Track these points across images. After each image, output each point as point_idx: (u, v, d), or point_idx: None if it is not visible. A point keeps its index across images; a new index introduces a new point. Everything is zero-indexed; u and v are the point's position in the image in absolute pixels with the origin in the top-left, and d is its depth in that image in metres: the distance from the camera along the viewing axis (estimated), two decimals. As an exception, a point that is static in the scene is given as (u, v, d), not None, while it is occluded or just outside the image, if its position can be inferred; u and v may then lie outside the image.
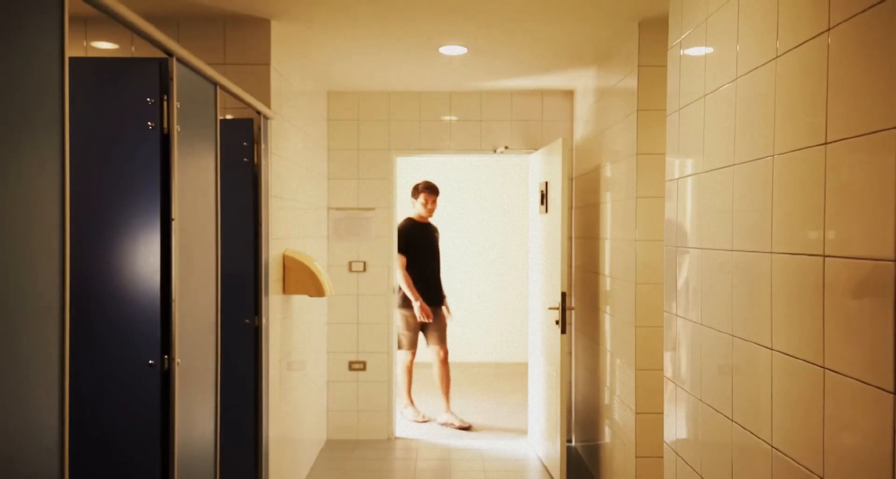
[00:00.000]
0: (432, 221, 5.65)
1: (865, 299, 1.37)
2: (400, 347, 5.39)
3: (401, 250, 5.30)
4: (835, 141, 1.47)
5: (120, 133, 2.12)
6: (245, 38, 3.42)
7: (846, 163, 1.44)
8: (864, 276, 1.37)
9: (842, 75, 1.46)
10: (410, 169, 7.50)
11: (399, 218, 5.47)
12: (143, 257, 2.09)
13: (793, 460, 1.64)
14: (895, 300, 1.27)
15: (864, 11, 1.38)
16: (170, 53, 2.08)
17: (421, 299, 5.30)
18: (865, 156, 1.37)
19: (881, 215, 1.31)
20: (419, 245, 5.39)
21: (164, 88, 2.09)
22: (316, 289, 3.72)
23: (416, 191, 5.47)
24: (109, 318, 2.09)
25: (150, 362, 2.07)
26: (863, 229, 1.37)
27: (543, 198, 4.67)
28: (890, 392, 1.28)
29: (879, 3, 1.33)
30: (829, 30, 1.50)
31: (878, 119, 1.32)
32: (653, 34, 3.39)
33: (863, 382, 1.37)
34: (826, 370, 1.50)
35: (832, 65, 1.49)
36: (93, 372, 2.07)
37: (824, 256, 1.50)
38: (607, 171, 4.05)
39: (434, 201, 5.49)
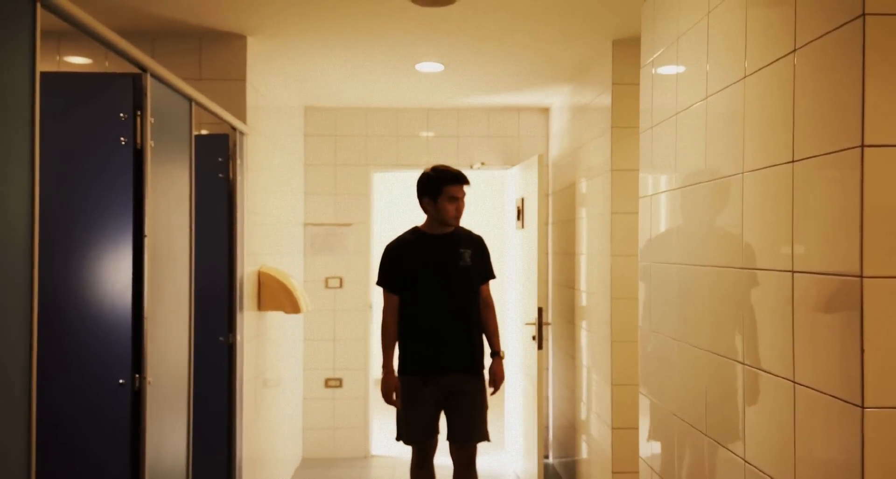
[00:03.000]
0: (468, 228, 3.49)
1: (833, 314, 1.39)
2: (399, 437, 3.34)
3: (388, 283, 3.33)
4: (802, 159, 1.50)
5: (92, 149, 2.09)
6: (221, 54, 3.42)
7: (813, 180, 1.47)
8: (831, 291, 1.39)
9: (807, 95, 1.49)
10: (386, 184, 7.50)
11: (379, 235, 5.23)
12: (115, 274, 2.06)
13: (765, 474, 1.65)
14: (861, 315, 1.29)
15: (827, 33, 1.41)
16: (144, 69, 2.07)
17: (388, 367, 3.28)
18: (831, 173, 1.40)
19: (847, 232, 1.33)
20: (429, 272, 3.27)
21: (138, 103, 2.07)
22: (292, 305, 3.69)
23: (435, 185, 3.27)
24: (79, 336, 2.05)
25: (121, 381, 2.03)
26: (829, 246, 1.40)
27: (520, 214, 4.69)
28: (858, 406, 1.30)
29: (841, 26, 1.36)
30: (794, 51, 1.53)
31: (843, 138, 1.35)
32: (626, 53, 3.44)
33: (832, 396, 1.38)
34: (796, 385, 1.51)
35: (798, 85, 1.52)
36: (61, 392, 2.03)
37: (793, 272, 1.53)
38: (583, 187, 4.09)
39: (464, 197, 3.33)
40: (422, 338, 3.27)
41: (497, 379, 3.41)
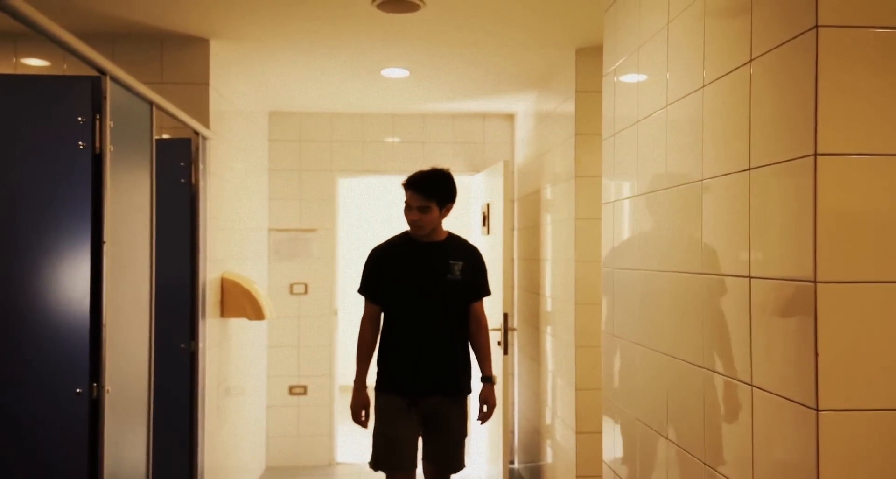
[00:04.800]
0: (474, 242, 3.48)
1: (788, 318, 1.42)
2: (376, 465, 3.02)
3: (368, 291, 3.12)
4: (758, 167, 1.53)
5: (49, 153, 2.05)
6: (183, 58, 3.37)
7: (769, 188, 1.50)
8: (787, 296, 1.42)
9: (763, 104, 1.53)
10: (352, 189, 7.47)
11: (345, 241, 5.19)
12: (72, 281, 2.02)
13: (724, 476, 1.68)
14: (815, 320, 1.32)
15: (782, 44, 1.45)
16: (103, 72, 2.03)
17: (361, 382, 3.06)
18: (786, 181, 1.43)
19: (801, 238, 1.37)
20: (413, 283, 3.03)
21: (97, 106, 2.04)
22: (255, 312, 3.65)
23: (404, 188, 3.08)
24: (35, 345, 2.00)
25: (78, 390, 1.98)
26: (785, 252, 1.43)
27: (486, 219, 4.71)
28: (813, 409, 1.33)
29: (796, 37, 1.40)
30: (751, 61, 1.57)
31: (797, 147, 1.39)
32: (589, 61, 3.48)
33: (788, 399, 1.41)
34: (754, 388, 1.54)
35: (754, 94, 1.56)
36: (15, 402, 1.98)
37: (750, 277, 1.56)
38: (548, 193, 4.12)
39: (422, 203, 3.00)
40: (402, 354, 3.01)
41: (488, 407, 3.14)
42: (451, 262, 3.06)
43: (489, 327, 3.28)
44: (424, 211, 2.99)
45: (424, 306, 3.02)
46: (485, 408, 3.14)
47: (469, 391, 3.11)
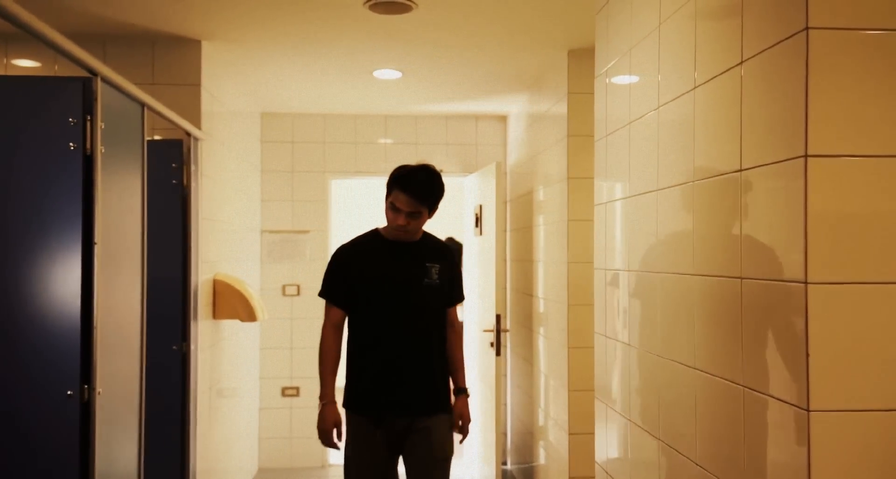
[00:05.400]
0: (438, 236, 2.99)
1: (779, 319, 1.43)
2: None
3: (332, 294, 2.79)
4: (749, 168, 1.54)
5: (40, 154, 2.04)
6: (175, 59, 3.36)
7: (760, 189, 1.51)
8: (778, 297, 1.43)
9: (754, 106, 1.53)
10: (346, 191, 7.46)
11: (338, 242, 5.13)
12: (63, 282, 2.01)
13: (716, 477, 1.68)
14: (806, 321, 1.33)
15: (772, 46, 1.45)
16: (94, 73, 2.03)
17: (327, 396, 2.71)
18: (777, 182, 1.44)
19: (792, 239, 1.37)
20: (384, 287, 2.73)
21: (88, 108, 2.03)
22: (248, 313, 3.64)
23: (390, 183, 2.75)
24: (25, 347, 1.99)
25: (69, 392, 1.98)
26: (775, 253, 1.44)
27: (478, 221, 4.71)
28: (804, 409, 1.34)
29: (786, 39, 1.41)
30: (742, 63, 1.58)
31: (788, 148, 1.39)
32: (581, 63, 3.49)
33: (780, 399, 1.42)
34: (746, 389, 1.55)
35: (745, 96, 1.57)
36: (6, 404, 1.97)
37: (741, 278, 1.56)
38: (540, 194, 4.13)
39: (415, 209, 2.68)
40: (374, 368, 2.67)
41: (463, 422, 2.81)
42: (429, 264, 2.75)
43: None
44: (415, 217, 2.68)
45: (399, 313, 2.69)
46: (460, 422, 2.82)
47: (451, 407, 2.81)
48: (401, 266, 2.75)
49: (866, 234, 1.35)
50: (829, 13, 1.35)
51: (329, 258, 2.88)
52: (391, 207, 2.69)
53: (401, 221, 2.68)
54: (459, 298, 2.93)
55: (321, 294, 2.82)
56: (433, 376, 2.75)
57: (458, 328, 2.92)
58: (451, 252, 2.90)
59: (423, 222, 2.75)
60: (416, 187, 2.64)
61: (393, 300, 2.71)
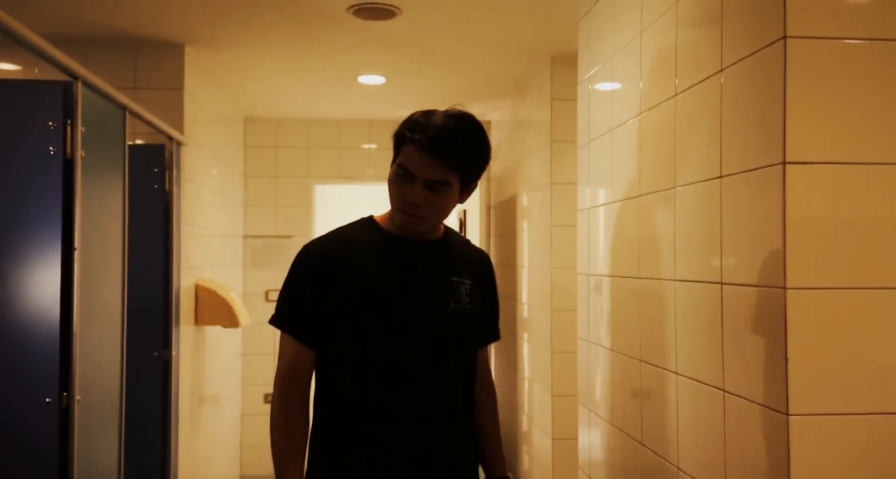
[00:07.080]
0: (465, 237, 2.38)
1: (759, 324, 1.44)
2: None
3: (295, 325, 1.70)
4: (729, 175, 1.56)
5: (20, 158, 2.02)
6: (157, 63, 3.35)
7: (740, 195, 1.52)
8: (757, 302, 1.44)
9: (734, 113, 1.55)
10: (329, 196, 7.43)
11: None
12: (42, 288, 1.99)
13: (698, 481, 1.69)
14: (785, 326, 1.34)
15: (751, 54, 1.47)
16: (75, 76, 2.01)
17: None
18: (756, 189, 1.45)
19: (771, 245, 1.39)
20: (386, 311, 1.61)
21: (69, 112, 2.01)
22: (230, 319, 3.62)
23: (396, 140, 1.67)
24: (2, 353, 1.96)
25: (48, 399, 1.95)
26: (755, 258, 1.45)
27: (462, 226, 4.72)
28: (783, 414, 1.35)
29: (765, 47, 1.42)
30: (721, 70, 1.59)
31: (766, 155, 1.41)
32: (564, 69, 3.51)
33: (759, 404, 1.43)
34: (726, 393, 1.56)
35: (725, 103, 1.58)
36: (-17, 412, 1.94)
37: (722, 283, 1.58)
38: (524, 200, 4.14)
39: (438, 177, 1.56)
40: (361, 457, 1.61)
41: None
42: (456, 279, 1.69)
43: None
44: (438, 190, 1.58)
45: (409, 358, 1.61)
46: None
47: None
48: (414, 279, 1.65)
49: (844, 240, 1.37)
50: (806, 22, 1.37)
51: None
52: (398, 176, 1.60)
53: (415, 197, 1.57)
54: (495, 334, 1.89)
55: (275, 322, 1.72)
56: (457, 451, 1.69)
57: (491, 381, 1.90)
58: (486, 260, 1.87)
59: (450, 205, 1.65)
60: (441, 141, 1.56)
61: (400, 337, 1.62)
